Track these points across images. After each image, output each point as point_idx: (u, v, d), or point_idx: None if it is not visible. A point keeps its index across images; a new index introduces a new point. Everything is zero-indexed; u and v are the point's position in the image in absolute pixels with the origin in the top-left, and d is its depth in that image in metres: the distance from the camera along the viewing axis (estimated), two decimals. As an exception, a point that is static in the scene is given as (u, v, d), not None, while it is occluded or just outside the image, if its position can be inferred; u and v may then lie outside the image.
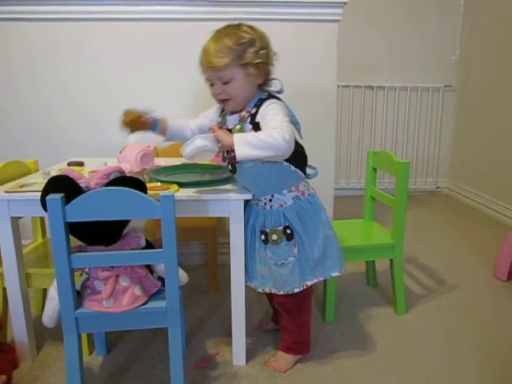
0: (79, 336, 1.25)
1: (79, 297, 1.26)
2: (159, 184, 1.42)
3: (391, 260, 1.81)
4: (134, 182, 1.20)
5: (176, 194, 1.24)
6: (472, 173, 3.61)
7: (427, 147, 3.88)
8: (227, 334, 1.65)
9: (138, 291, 1.25)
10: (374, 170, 2.01)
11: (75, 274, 1.24)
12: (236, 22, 1.35)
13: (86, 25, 2.13)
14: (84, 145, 2.20)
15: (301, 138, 1.42)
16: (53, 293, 1.25)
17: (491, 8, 3.29)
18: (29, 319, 1.51)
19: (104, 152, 2.05)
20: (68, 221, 1.15)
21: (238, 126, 1.33)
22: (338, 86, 3.31)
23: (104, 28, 2.13)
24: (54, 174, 1.51)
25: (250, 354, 1.57)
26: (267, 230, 1.39)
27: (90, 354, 1.58)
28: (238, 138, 1.22)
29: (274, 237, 1.38)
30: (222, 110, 1.46)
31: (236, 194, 1.38)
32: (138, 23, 2.14)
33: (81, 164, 1.77)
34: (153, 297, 1.29)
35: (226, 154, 1.41)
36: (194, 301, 1.95)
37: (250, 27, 1.33)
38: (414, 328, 1.76)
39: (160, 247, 1.24)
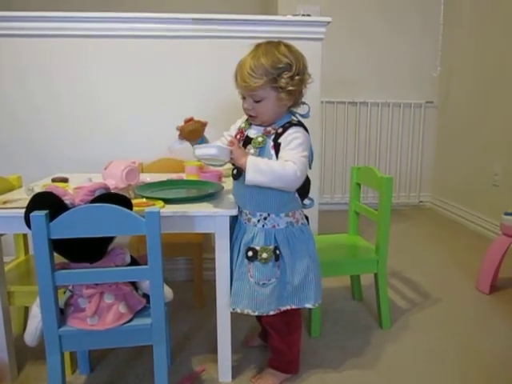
0: (62, 355, 1.24)
1: (62, 315, 1.24)
2: (145, 200, 1.42)
3: (375, 274, 1.82)
4: (119, 199, 1.19)
5: (161, 210, 1.24)
6: (454, 187, 3.67)
7: (410, 162, 3.94)
8: (213, 350, 1.63)
9: (122, 308, 1.24)
10: (358, 185, 2.03)
11: (58, 291, 1.23)
12: (275, 40, 1.35)
13: (77, 41, 2.13)
14: (69, 159, 2.19)
15: (310, 168, 1.42)
16: (35, 311, 1.24)
17: (471, 26, 3.39)
18: (10, 338, 1.48)
19: (89, 167, 2.04)
20: (52, 238, 1.14)
21: (260, 138, 1.35)
22: (322, 102, 3.35)
23: (95, 44, 2.15)
24: (37, 190, 1.50)
25: (236, 371, 1.56)
26: (257, 248, 1.37)
27: (73, 372, 1.55)
28: (251, 163, 1.26)
29: (265, 255, 1.36)
30: (247, 119, 1.47)
31: (222, 209, 1.39)
32: (127, 40, 2.15)
33: (65, 180, 1.76)
34: (138, 314, 1.28)
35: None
36: (180, 317, 1.94)
37: (289, 48, 1.33)
38: (399, 341, 1.77)
39: (145, 263, 1.24)
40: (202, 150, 1.29)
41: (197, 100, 2.23)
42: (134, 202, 1.27)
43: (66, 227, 1.14)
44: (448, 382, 1.53)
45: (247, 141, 1.39)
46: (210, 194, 1.50)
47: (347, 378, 1.54)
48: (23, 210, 1.19)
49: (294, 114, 1.41)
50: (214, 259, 2.25)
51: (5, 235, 1.50)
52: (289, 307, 1.42)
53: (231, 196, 1.55)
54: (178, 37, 2.16)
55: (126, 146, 2.22)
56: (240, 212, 1.44)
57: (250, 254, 1.38)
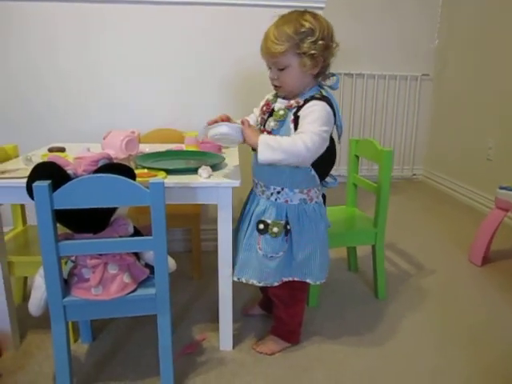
0: (67, 324, 1.24)
1: (66, 285, 1.24)
2: (146, 171, 1.40)
3: (373, 246, 1.85)
4: (122, 169, 1.18)
5: (165, 181, 1.23)
6: (447, 161, 3.69)
7: (404, 135, 3.94)
8: (213, 319, 1.66)
9: (126, 279, 1.24)
10: (357, 157, 2.03)
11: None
12: (302, 9, 1.32)
13: (79, 6, 2.05)
14: (65, 128, 2.15)
15: (339, 143, 1.42)
16: (39, 281, 1.23)
17: (468, 0, 3.34)
18: (11, 308, 1.49)
19: (85, 137, 2.01)
20: (56, 208, 1.13)
21: (281, 112, 1.34)
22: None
23: (96, 11, 2.07)
24: (36, 160, 1.49)
25: (237, 340, 1.59)
26: (269, 221, 1.38)
27: (76, 341, 1.57)
28: (262, 142, 1.25)
29: (276, 229, 1.37)
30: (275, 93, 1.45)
31: (225, 180, 1.38)
32: (128, 6, 2.08)
33: (62, 150, 1.74)
34: (141, 284, 1.28)
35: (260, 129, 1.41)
36: (179, 287, 1.95)
37: (314, 16, 1.30)
38: (395, 311, 1.81)
39: (147, 233, 1.24)
40: (213, 130, 1.28)
41: (198, 71, 2.19)
42: (136, 172, 1.26)
43: (70, 198, 1.13)
44: (442, 349, 1.57)
45: (272, 113, 1.38)
46: (212, 165, 1.49)
47: (344, 347, 1.58)
48: (23, 180, 1.18)
49: (322, 86, 1.38)
50: (211, 230, 2.27)
51: (2, 206, 1.48)
52: (291, 278, 1.44)
53: (232, 167, 1.54)
54: (178, 3, 2.09)
55: (124, 116, 2.18)
56: (256, 184, 1.45)
57: (261, 226, 1.39)
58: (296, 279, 1.45)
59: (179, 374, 1.41)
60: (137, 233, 1.33)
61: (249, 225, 1.43)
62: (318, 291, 1.83)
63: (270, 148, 1.24)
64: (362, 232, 1.85)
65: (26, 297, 1.81)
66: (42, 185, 1.10)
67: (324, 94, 1.34)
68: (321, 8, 2.14)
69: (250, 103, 2.24)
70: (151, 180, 1.16)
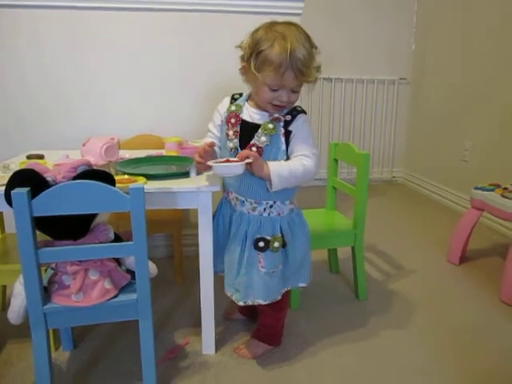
0: (47, 332, 1.24)
1: (46, 292, 1.24)
2: (126, 177, 1.41)
3: (353, 247, 1.88)
4: (102, 176, 1.18)
5: (145, 187, 1.24)
6: (425, 162, 3.77)
7: (383, 138, 4.01)
8: (195, 324, 1.66)
9: (107, 285, 1.24)
10: (336, 161, 2.06)
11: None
12: (290, 21, 1.28)
13: (70, 13, 2.06)
14: (43, 136, 2.12)
15: None
16: (19, 288, 1.22)
17: (445, 2, 3.42)
18: (-10, 317, 1.47)
19: (64, 144, 2.00)
20: (35, 215, 1.12)
21: (270, 125, 1.30)
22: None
23: (71, 16, 2.06)
24: (14, 167, 1.48)
25: (219, 343, 1.59)
26: (268, 238, 1.35)
27: (57, 349, 1.55)
28: (275, 175, 1.25)
29: (277, 244, 1.36)
30: (232, 100, 1.40)
31: (205, 185, 1.39)
32: (109, 13, 2.08)
33: (41, 157, 1.73)
34: (123, 290, 1.29)
35: (238, 149, 1.34)
36: (160, 293, 1.95)
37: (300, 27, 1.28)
38: (375, 311, 1.84)
39: (127, 239, 1.24)
40: (222, 170, 1.24)
41: (179, 77, 2.20)
42: (116, 178, 1.26)
43: (49, 204, 1.12)
44: (420, 348, 1.60)
45: (249, 126, 1.33)
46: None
47: (326, 347, 1.60)
48: (1, 188, 1.17)
49: None
50: (192, 235, 2.27)
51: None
52: (287, 288, 1.46)
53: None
54: (155, 10, 2.10)
55: (104, 123, 2.17)
56: (241, 202, 1.39)
57: (262, 244, 1.35)
58: (289, 288, 1.46)
59: (162, 379, 1.41)
60: (117, 239, 1.32)
61: (243, 245, 1.38)
62: (299, 293, 1.85)
63: (284, 179, 1.26)
64: (342, 234, 1.88)
65: (5, 306, 1.79)
66: (20, 192, 1.09)
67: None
68: (298, 14, 2.17)
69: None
70: (131, 185, 1.17)
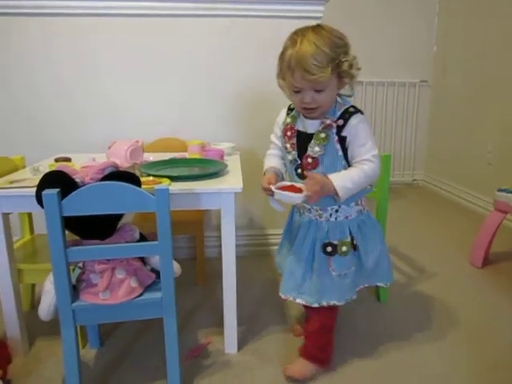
0: (76, 328, 1.28)
1: (75, 290, 1.28)
2: (151, 178, 1.44)
3: (374, 249, 1.87)
4: (128, 177, 1.22)
5: (169, 188, 1.27)
6: (447, 165, 3.73)
7: (404, 141, 3.98)
8: (217, 324, 1.69)
9: (133, 283, 1.28)
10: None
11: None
12: (313, 24, 1.27)
13: (80, 20, 2.11)
14: (70, 140, 2.19)
15: None
16: (49, 286, 1.27)
17: (466, 6, 3.40)
18: (21, 314, 1.52)
19: (89, 148, 2.06)
20: (64, 215, 1.17)
21: (322, 134, 1.29)
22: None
23: (99, 23, 2.12)
24: (43, 170, 1.53)
25: (241, 343, 1.61)
26: (336, 242, 1.36)
27: (84, 347, 1.60)
28: (341, 189, 1.25)
29: (345, 248, 1.35)
30: (289, 111, 1.41)
31: (228, 186, 1.42)
32: (132, 19, 2.13)
33: (68, 160, 1.78)
34: (148, 288, 1.32)
35: (297, 160, 1.36)
36: (183, 293, 1.98)
37: (333, 28, 1.26)
38: (396, 313, 1.83)
39: (152, 240, 1.28)
40: (282, 197, 1.26)
41: (201, 82, 2.24)
42: (141, 180, 1.30)
43: (78, 205, 1.17)
44: (445, 352, 1.59)
45: (303, 137, 1.34)
46: (215, 172, 1.53)
47: (345, 349, 1.60)
48: (31, 189, 1.22)
49: (339, 95, 1.34)
50: (214, 237, 2.30)
51: (10, 215, 1.52)
52: (362, 286, 1.47)
53: (235, 173, 1.58)
54: (180, 15, 2.15)
55: (127, 127, 2.22)
56: (307, 209, 1.40)
57: (329, 249, 1.36)
58: (366, 285, 1.48)
59: (185, 377, 1.44)
60: (142, 239, 1.36)
61: (312, 250, 1.39)
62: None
63: (350, 191, 1.27)
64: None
65: (34, 304, 1.84)
66: (51, 193, 1.14)
67: (349, 104, 1.32)
68: (319, 18, 2.19)
69: (253, 118, 2.31)
70: (157, 186, 1.20)
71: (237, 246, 2.34)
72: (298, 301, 1.41)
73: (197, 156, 1.79)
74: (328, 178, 1.26)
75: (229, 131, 2.27)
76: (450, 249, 2.54)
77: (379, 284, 1.51)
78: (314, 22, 2.14)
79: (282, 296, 1.43)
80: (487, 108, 3.14)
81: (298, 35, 1.24)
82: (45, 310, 1.29)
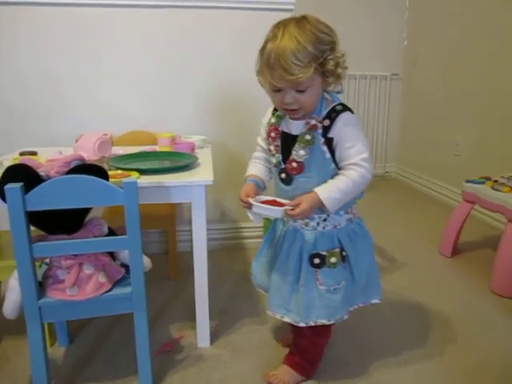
0: (43, 326, 1.25)
1: (41, 287, 1.25)
2: (120, 172, 1.41)
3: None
4: (95, 170, 1.19)
5: (138, 181, 1.25)
6: (418, 157, 3.79)
7: (376, 133, 4.03)
8: (190, 318, 1.67)
9: (102, 278, 1.25)
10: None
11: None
12: (298, 16, 1.16)
13: (47, 10, 2.04)
14: (34, 134, 2.12)
15: None
16: (14, 283, 1.23)
17: (434, 0, 3.45)
18: (-14, 313, 1.47)
19: (56, 142, 2.00)
20: (28, 210, 1.13)
21: (307, 136, 1.19)
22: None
23: (66, 13, 2.06)
24: (7, 163, 1.48)
25: (214, 336, 1.61)
26: (324, 253, 1.25)
27: (52, 345, 1.56)
28: (328, 202, 1.17)
29: (333, 259, 1.25)
30: (274, 111, 1.30)
31: (198, 179, 1.40)
32: (101, 9, 2.08)
33: (34, 153, 1.73)
34: (117, 283, 1.30)
35: (281, 163, 1.26)
36: (155, 288, 1.96)
37: (319, 21, 1.15)
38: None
39: (121, 234, 1.25)
40: (261, 211, 1.19)
41: (172, 74, 2.21)
42: (109, 173, 1.27)
43: (43, 199, 1.13)
44: (411, 339, 1.63)
45: (288, 138, 1.24)
46: (185, 165, 1.51)
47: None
48: (-4, 184, 1.18)
49: (327, 91, 1.23)
50: (187, 231, 2.28)
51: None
52: (356, 306, 1.36)
53: (206, 166, 1.57)
54: (150, 6, 2.10)
55: (96, 121, 2.16)
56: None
57: (317, 261, 1.25)
58: (361, 305, 1.36)
59: (158, 372, 1.42)
60: (111, 233, 1.33)
61: (299, 263, 1.28)
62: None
63: (338, 201, 1.18)
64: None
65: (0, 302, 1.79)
66: (13, 187, 1.10)
67: (337, 102, 1.22)
68: (290, 10, 2.18)
69: (225, 111, 2.29)
70: (125, 180, 1.18)
71: (209, 239, 2.34)
72: (286, 319, 1.31)
73: (167, 149, 1.77)
74: (313, 191, 1.19)
75: (200, 124, 2.25)
76: (421, 239, 2.59)
77: (374, 301, 1.38)
78: (285, 14, 2.16)
79: (270, 313, 1.34)
80: (456, 101, 3.21)
81: (279, 28, 1.12)
82: (10, 307, 1.24)
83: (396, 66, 3.91)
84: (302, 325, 1.28)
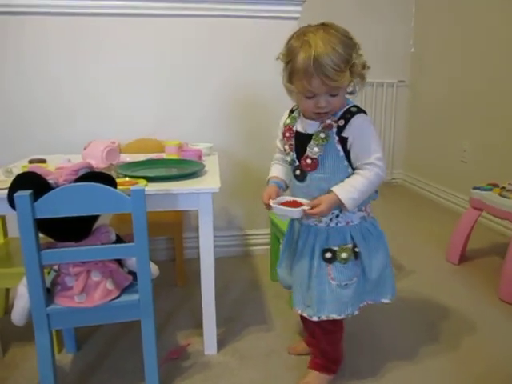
0: (51, 333, 1.25)
1: (49, 294, 1.26)
2: (127, 179, 1.43)
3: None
4: (103, 178, 1.21)
5: (145, 189, 1.26)
6: (425, 164, 3.78)
7: (383, 140, 4.02)
8: (197, 325, 1.68)
9: (109, 285, 1.26)
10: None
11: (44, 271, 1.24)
12: (320, 23, 1.21)
13: (54, 19, 2.07)
14: (44, 142, 2.14)
15: None
16: (22, 290, 1.24)
17: (441, 6, 3.45)
18: (-6, 320, 1.49)
19: (65, 149, 2.02)
20: (37, 217, 1.14)
21: (322, 134, 1.22)
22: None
23: (71, 22, 2.08)
24: (16, 171, 1.50)
25: (221, 344, 1.61)
26: (335, 248, 1.28)
27: (60, 351, 1.57)
28: (347, 202, 1.20)
29: (344, 255, 1.27)
30: (290, 113, 1.35)
31: (205, 186, 1.41)
32: (108, 18, 2.10)
33: (43, 161, 1.75)
34: (125, 290, 1.30)
35: (295, 161, 1.29)
36: (162, 295, 1.97)
37: (342, 28, 1.21)
38: (373, 311, 1.84)
39: (128, 242, 1.26)
40: (280, 211, 1.24)
41: (179, 82, 2.23)
42: (117, 181, 1.28)
43: (51, 206, 1.14)
44: (419, 346, 1.61)
45: (302, 138, 1.27)
46: (192, 172, 1.52)
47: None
48: (3, 191, 1.20)
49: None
50: (194, 238, 2.28)
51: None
52: (365, 303, 1.36)
53: (213, 174, 1.58)
54: (157, 15, 2.13)
55: (104, 128, 2.18)
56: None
57: (329, 255, 1.28)
58: (370, 302, 1.37)
59: (164, 379, 1.42)
60: (119, 240, 1.34)
61: (312, 257, 1.31)
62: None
63: (355, 201, 1.22)
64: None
65: (8, 309, 1.80)
66: (23, 194, 1.12)
67: (348, 103, 1.25)
68: (296, 18, 2.20)
69: (232, 118, 2.30)
70: (132, 187, 1.19)
71: (217, 246, 2.35)
72: (305, 314, 1.34)
73: (174, 156, 1.78)
74: (332, 191, 1.22)
75: (207, 132, 2.26)
76: (428, 246, 2.57)
77: (384, 300, 1.38)
78: (291, 23, 2.20)
79: (294, 309, 1.37)
80: (463, 107, 3.20)
81: (306, 35, 1.15)
82: (18, 314, 1.25)
83: (402, 73, 3.91)
84: (315, 319, 1.31)
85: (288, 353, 1.58)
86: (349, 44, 1.17)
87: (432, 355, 1.56)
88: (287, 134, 1.32)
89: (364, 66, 1.20)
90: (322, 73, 1.12)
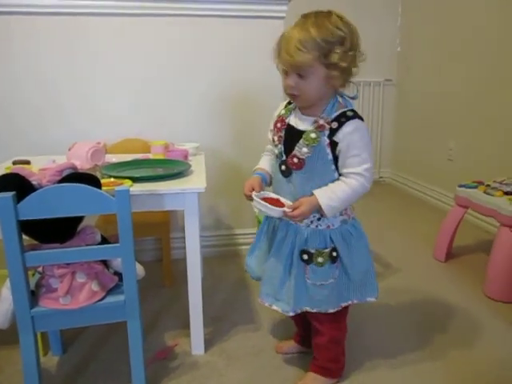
0: (35, 335, 1.24)
1: (34, 296, 1.24)
2: (112, 180, 1.42)
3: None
4: (87, 178, 1.19)
5: (130, 189, 1.25)
6: (411, 162, 3.81)
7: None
8: (184, 326, 1.67)
9: (95, 287, 1.25)
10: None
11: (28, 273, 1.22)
12: (325, 10, 1.20)
13: (41, 19, 2.04)
14: (28, 142, 2.11)
15: None
16: (6, 293, 1.23)
17: (427, 6, 3.48)
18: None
19: (49, 150, 2.00)
20: (21, 219, 1.13)
21: (313, 135, 1.20)
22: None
23: (58, 22, 2.06)
24: (0, 172, 1.48)
25: (208, 344, 1.61)
26: (312, 251, 1.27)
27: (46, 354, 1.55)
28: (326, 208, 1.20)
29: (320, 259, 1.27)
30: (287, 104, 1.34)
31: (191, 186, 1.41)
32: (92, 18, 2.08)
33: (27, 162, 1.73)
34: (110, 292, 1.29)
35: (282, 155, 1.28)
36: (149, 296, 1.96)
37: (342, 20, 1.19)
38: (360, 309, 1.85)
39: (114, 243, 1.25)
40: (261, 207, 1.22)
41: (166, 82, 2.22)
42: (101, 181, 1.27)
43: (35, 208, 1.13)
44: (406, 343, 1.63)
45: (292, 132, 1.25)
46: (178, 172, 1.52)
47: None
48: (-13, 193, 1.18)
49: (341, 95, 1.26)
50: (181, 238, 2.27)
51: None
52: (350, 302, 1.36)
53: (199, 173, 1.57)
54: (144, 15, 2.11)
55: (90, 129, 2.16)
56: None
57: (305, 257, 1.28)
58: (355, 301, 1.36)
59: (152, 380, 1.42)
60: (104, 241, 1.33)
61: (291, 255, 1.31)
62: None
63: (336, 209, 1.22)
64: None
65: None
66: (6, 196, 1.10)
67: (349, 108, 1.23)
68: (282, 17, 2.20)
69: (219, 118, 2.30)
70: (117, 188, 1.18)
71: (204, 246, 2.35)
72: (274, 308, 1.34)
73: (160, 157, 1.77)
74: (314, 195, 1.22)
75: (194, 132, 2.25)
76: (415, 244, 2.60)
77: (369, 299, 1.37)
78: (277, 22, 2.20)
79: (260, 300, 1.38)
80: (449, 106, 3.23)
81: (302, 18, 1.19)
82: (2, 316, 1.24)
83: (389, 72, 3.94)
84: (291, 314, 1.32)
85: (275, 352, 1.59)
86: (334, 34, 1.15)
87: (416, 353, 1.58)
88: (278, 125, 1.30)
89: (342, 59, 1.15)
90: (285, 47, 1.15)
